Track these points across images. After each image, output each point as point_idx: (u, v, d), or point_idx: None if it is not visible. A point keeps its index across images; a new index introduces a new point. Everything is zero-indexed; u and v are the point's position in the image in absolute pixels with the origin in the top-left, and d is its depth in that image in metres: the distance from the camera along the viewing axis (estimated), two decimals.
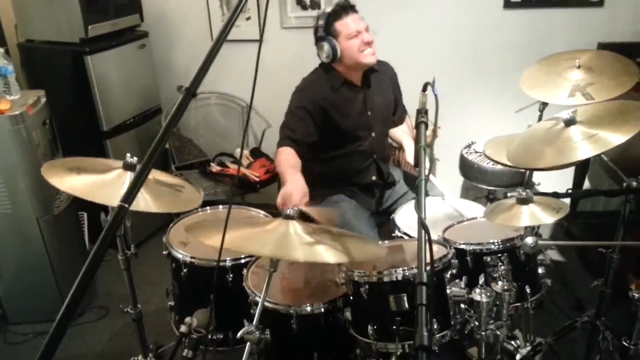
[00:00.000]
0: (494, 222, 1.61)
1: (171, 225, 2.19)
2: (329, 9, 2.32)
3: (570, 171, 3.23)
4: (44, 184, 2.55)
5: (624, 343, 1.75)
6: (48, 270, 2.66)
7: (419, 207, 1.19)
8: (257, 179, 3.10)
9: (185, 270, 1.99)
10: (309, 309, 1.71)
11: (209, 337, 1.86)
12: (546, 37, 3.22)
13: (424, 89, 1.44)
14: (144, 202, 1.68)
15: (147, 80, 3.39)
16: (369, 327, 1.58)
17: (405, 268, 1.57)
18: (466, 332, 1.65)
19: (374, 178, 2.51)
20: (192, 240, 2.13)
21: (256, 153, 3.39)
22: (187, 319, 1.67)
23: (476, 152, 3.01)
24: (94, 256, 0.90)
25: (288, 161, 2.22)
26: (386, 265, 1.65)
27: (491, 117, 3.29)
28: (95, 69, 2.92)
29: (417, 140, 1.43)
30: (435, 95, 1.37)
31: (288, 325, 1.69)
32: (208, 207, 2.27)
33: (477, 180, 2.98)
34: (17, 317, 2.75)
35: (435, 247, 1.71)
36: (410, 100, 2.69)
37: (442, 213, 2.25)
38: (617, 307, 2.06)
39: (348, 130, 2.39)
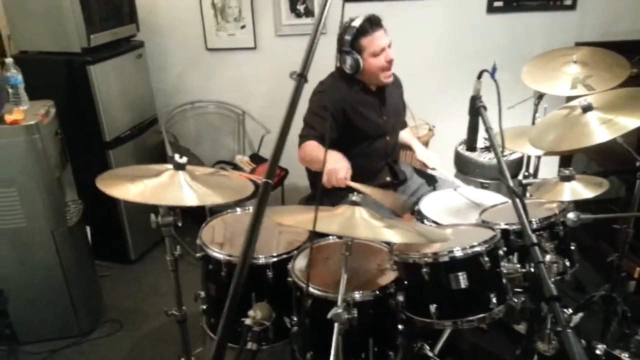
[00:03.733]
0: (541, 199, 1.73)
1: (203, 225, 2.20)
2: (357, 23, 2.32)
3: (555, 159, 3.45)
4: (57, 195, 2.52)
5: None
6: (62, 284, 2.59)
7: (504, 178, 1.29)
8: None
9: (225, 270, 2.01)
10: (358, 296, 1.76)
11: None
12: (525, 39, 3.45)
13: (479, 77, 1.55)
14: (209, 197, 1.74)
15: (144, 90, 3.36)
16: (431, 307, 1.65)
17: (460, 248, 1.65)
18: (516, 308, 1.75)
19: (388, 179, 2.60)
20: (226, 241, 2.15)
21: (256, 158, 3.42)
22: (250, 312, 1.69)
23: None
24: (251, 231, 0.95)
25: (317, 148, 2.27)
26: (434, 249, 1.73)
27: None
28: (98, 78, 2.88)
29: (474, 123, 1.54)
30: (495, 81, 1.48)
31: None
32: (237, 209, 2.30)
33: (474, 175, 3.12)
34: (28, 336, 2.65)
35: (481, 229, 1.82)
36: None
37: (461, 202, 2.36)
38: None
39: (365, 132, 2.46)
